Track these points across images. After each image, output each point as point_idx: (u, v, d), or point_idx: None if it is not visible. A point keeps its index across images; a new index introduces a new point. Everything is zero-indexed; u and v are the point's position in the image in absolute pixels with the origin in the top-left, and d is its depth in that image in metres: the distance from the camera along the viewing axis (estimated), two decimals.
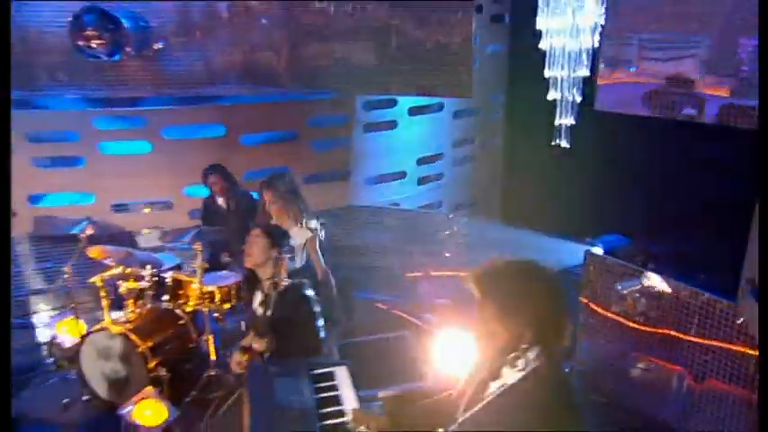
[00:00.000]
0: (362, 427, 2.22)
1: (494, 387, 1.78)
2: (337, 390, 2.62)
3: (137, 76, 6.02)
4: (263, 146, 5.94)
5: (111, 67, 6.02)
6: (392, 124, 6.56)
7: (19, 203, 5.42)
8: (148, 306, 4.49)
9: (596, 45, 4.98)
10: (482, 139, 7.85)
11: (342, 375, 2.73)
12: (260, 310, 3.14)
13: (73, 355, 5.08)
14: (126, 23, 5.75)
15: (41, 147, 5.40)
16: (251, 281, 3.36)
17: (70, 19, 5.55)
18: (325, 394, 2.58)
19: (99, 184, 5.49)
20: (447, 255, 7.10)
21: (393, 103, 6.46)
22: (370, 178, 6.70)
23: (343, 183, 6.43)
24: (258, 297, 3.21)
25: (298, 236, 3.44)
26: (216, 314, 4.48)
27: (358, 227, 6.78)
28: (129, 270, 4.51)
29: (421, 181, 7.22)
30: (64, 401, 4.47)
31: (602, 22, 4.88)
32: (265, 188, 3.47)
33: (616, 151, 6.10)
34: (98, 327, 4.26)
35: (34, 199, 5.50)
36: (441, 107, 7.01)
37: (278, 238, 3.17)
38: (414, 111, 6.72)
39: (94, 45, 5.57)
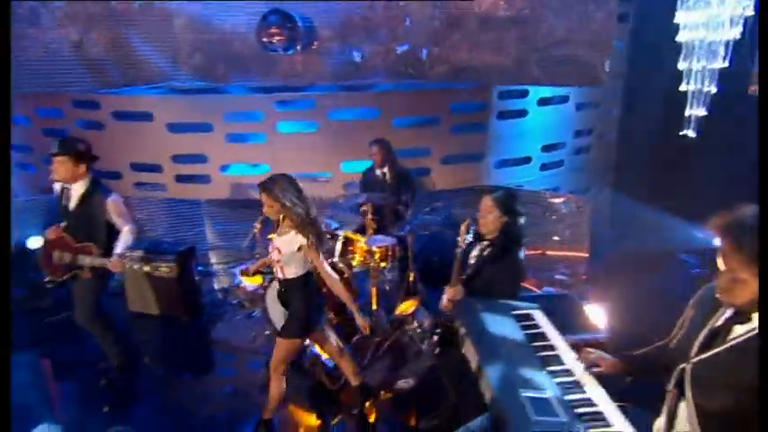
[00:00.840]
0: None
1: (740, 331, 1.69)
2: (539, 328, 2.56)
3: (305, 67, 6.41)
4: (410, 128, 6.06)
5: (285, 60, 6.47)
6: (523, 113, 6.52)
7: (213, 171, 6.00)
8: None
9: (738, 36, 4.70)
10: (600, 130, 7.62)
11: (540, 317, 2.67)
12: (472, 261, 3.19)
13: (253, 297, 5.53)
14: (299, 23, 6.13)
15: (233, 125, 5.87)
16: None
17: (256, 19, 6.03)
18: (531, 331, 2.51)
19: (274, 157, 5.87)
20: (556, 238, 7.02)
21: (525, 93, 6.42)
22: (499, 162, 6.66)
23: (475, 165, 6.47)
24: (476, 250, 3.24)
25: (292, 242, 3.13)
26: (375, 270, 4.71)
27: None
28: None
29: (543, 167, 7.11)
30: (252, 334, 4.88)
31: (749, 13, 4.59)
32: (262, 190, 3.14)
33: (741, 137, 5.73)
34: None
35: (224, 168, 6.01)
36: (566, 99, 6.86)
37: (509, 207, 3.09)
38: (543, 101, 6.62)
39: (275, 41, 5.99)
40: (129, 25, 6.04)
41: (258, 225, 5.10)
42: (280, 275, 3.37)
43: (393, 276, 5.16)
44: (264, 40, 5.88)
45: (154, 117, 5.76)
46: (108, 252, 3.73)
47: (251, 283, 5.49)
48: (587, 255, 6.72)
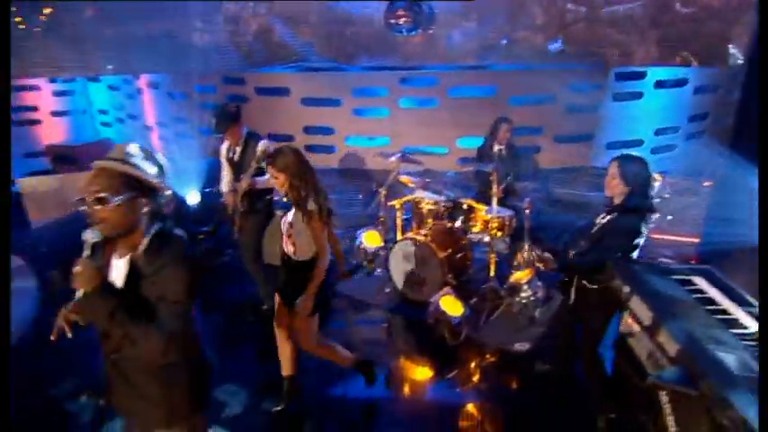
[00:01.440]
0: None
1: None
2: (705, 292, 2.39)
3: (426, 48, 6.35)
4: (525, 107, 5.84)
5: (407, 41, 6.44)
6: (638, 95, 6.08)
7: (338, 142, 6.18)
8: (436, 225, 4.77)
9: None
10: (715, 115, 6.96)
11: (702, 282, 2.49)
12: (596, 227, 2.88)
13: (374, 258, 5.62)
14: (424, 7, 6.07)
15: (359, 100, 5.97)
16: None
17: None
18: (698, 295, 2.34)
19: (394, 131, 5.92)
20: (670, 217, 6.52)
21: (643, 75, 5.98)
22: (611, 143, 6.30)
23: (586, 144, 6.17)
24: (602, 216, 3.02)
25: (298, 216, 2.84)
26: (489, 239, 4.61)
27: (592, 187, 6.48)
28: (423, 196, 4.84)
29: (654, 150, 6.64)
30: (375, 289, 4.99)
31: None
32: (268, 163, 2.86)
33: None
34: (406, 236, 4.59)
35: (348, 139, 6.16)
36: (684, 82, 6.32)
37: (630, 174, 2.74)
38: (659, 84, 6.14)
39: (401, 23, 5.98)
40: (272, 13, 6.28)
41: (383, 191, 5.19)
42: (290, 249, 2.98)
43: (508, 246, 5.06)
44: (392, 21, 5.88)
45: (291, 92, 5.99)
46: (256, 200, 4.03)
47: (371, 244, 5.59)
48: (697, 240, 6.22)
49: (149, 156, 1.69)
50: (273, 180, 2.86)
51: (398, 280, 4.79)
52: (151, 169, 1.68)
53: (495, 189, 4.27)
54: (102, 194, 1.58)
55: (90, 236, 1.61)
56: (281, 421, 3.14)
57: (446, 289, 4.08)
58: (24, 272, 5.17)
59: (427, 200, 4.76)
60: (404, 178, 4.94)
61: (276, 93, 6.11)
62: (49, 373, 3.89)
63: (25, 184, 6.71)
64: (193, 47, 6.46)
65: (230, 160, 4.16)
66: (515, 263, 4.73)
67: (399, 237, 5.25)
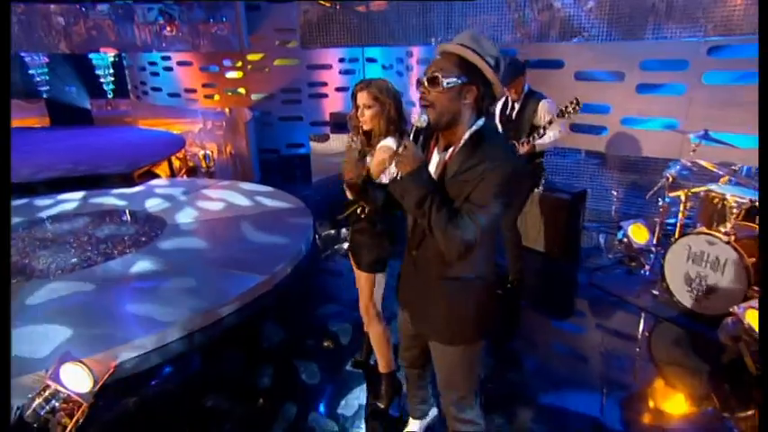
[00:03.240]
0: None
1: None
2: None
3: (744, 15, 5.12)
4: None
5: (721, 7, 5.30)
6: None
7: (612, 123, 5.48)
8: (741, 225, 3.83)
9: None
10: None
11: None
12: None
13: (641, 255, 4.88)
14: None
15: (649, 74, 5.17)
16: None
17: None
18: None
19: (687, 113, 4.96)
20: None
21: None
22: None
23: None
24: None
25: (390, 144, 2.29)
26: None
27: None
28: (724, 190, 3.93)
29: None
30: (638, 288, 4.32)
31: None
32: (360, 89, 2.44)
33: None
34: (700, 231, 3.81)
35: (625, 121, 5.42)
36: None
37: None
38: None
39: None
40: None
41: (670, 176, 4.41)
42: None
43: None
44: None
45: (565, 65, 5.53)
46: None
47: (638, 239, 4.86)
48: None
49: (492, 48, 1.62)
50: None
51: (676, 283, 4.08)
52: (491, 59, 1.61)
53: None
54: (435, 74, 1.60)
55: (418, 120, 1.63)
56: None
57: (751, 302, 3.27)
58: (305, 212, 6.04)
59: (731, 194, 3.91)
60: (707, 163, 4.12)
61: (550, 65, 5.71)
62: (318, 294, 4.47)
63: (313, 146, 7.81)
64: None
65: (507, 118, 4.02)
66: None
67: (677, 233, 4.50)
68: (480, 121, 1.64)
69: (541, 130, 3.76)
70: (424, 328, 1.88)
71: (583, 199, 5.02)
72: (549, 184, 5.04)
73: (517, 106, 3.97)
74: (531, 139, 3.80)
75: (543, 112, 3.86)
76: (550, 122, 3.73)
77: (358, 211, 2.52)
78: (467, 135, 1.63)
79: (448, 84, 1.58)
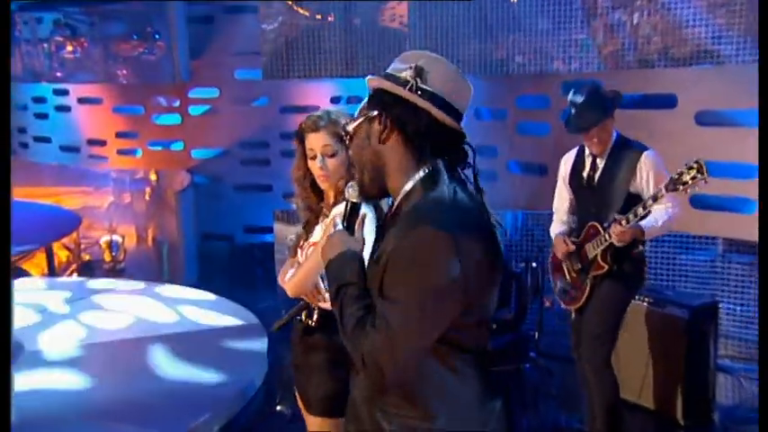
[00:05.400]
0: None
1: None
2: None
3: None
4: None
5: None
6: None
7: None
8: None
9: None
10: None
11: None
12: None
13: None
14: None
15: None
16: None
17: None
18: None
19: None
20: None
21: None
22: None
23: None
24: None
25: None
26: None
27: None
28: None
29: None
30: None
31: None
32: (313, 129, 2.77)
33: None
34: None
35: None
36: None
37: None
38: None
39: None
40: None
41: None
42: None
43: None
44: None
45: (678, 102, 5.61)
46: None
47: None
48: None
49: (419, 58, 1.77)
50: None
51: None
52: (405, 71, 1.74)
53: None
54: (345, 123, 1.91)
55: (349, 192, 1.85)
56: None
57: None
58: (258, 333, 6.13)
59: None
60: None
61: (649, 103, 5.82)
62: None
63: (279, 228, 7.76)
64: None
65: (586, 183, 4.03)
66: None
67: None
68: (421, 172, 1.70)
69: (649, 202, 3.65)
70: None
71: (711, 317, 4.85)
72: (656, 293, 4.95)
73: (601, 164, 3.91)
74: (631, 216, 3.67)
75: (649, 170, 3.80)
76: (660, 190, 3.64)
77: (303, 317, 2.60)
78: (401, 195, 1.73)
79: (354, 126, 1.76)
